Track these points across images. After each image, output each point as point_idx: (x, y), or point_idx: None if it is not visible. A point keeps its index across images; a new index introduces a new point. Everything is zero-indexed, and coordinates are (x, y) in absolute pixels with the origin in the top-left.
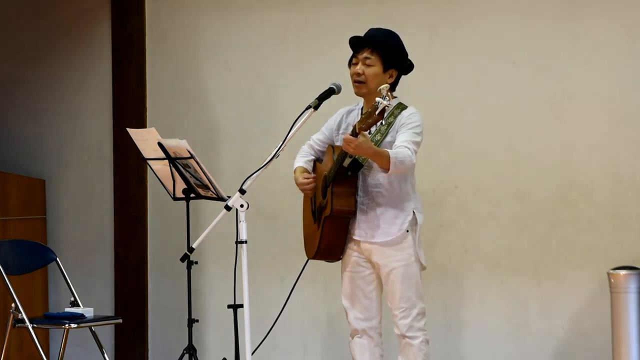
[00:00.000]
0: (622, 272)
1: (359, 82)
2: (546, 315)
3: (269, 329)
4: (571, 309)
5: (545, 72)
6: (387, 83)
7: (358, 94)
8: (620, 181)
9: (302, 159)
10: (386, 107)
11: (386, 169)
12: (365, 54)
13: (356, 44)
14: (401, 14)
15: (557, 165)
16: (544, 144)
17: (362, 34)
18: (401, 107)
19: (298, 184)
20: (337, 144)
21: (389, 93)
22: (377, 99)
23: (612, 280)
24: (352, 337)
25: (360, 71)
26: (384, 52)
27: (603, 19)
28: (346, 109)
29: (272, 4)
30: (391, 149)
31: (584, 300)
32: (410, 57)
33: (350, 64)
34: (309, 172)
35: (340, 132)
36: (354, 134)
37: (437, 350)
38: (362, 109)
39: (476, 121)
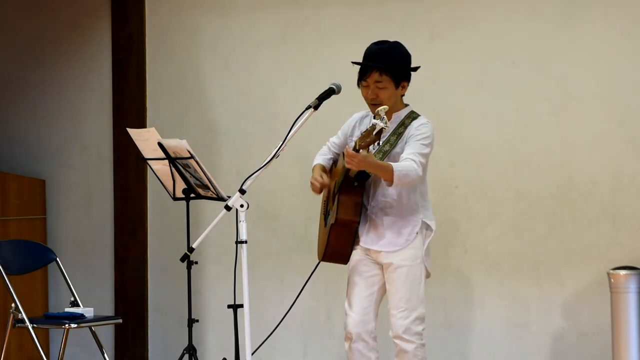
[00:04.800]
0: (622, 272)
1: (375, 105)
2: (546, 315)
3: (271, 332)
4: (571, 309)
5: (545, 72)
6: (400, 95)
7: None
8: (620, 181)
9: (321, 157)
10: (383, 129)
11: (390, 182)
12: (375, 78)
13: (362, 67)
14: (401, 14)
15: (557, 165)
16: (544, 144)
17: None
18: (412, 116)
19: (312, 178)
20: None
21: (388, 112)
22: (374, 120)
23: (612, 280)
24: (347, 343)
25: (374, 95)
26: (393, 71)
27: (603, 19)
28: (360, 115)
29: (272, 4)
30: (399, 160)
31: (584, 300)
32: (412, 58)
33: (359, 84)
34: (326, 172)
35: (354, 138)
36: (356, 150)
37: (437, 350)
38: (374, 117)
39: (476, 121)
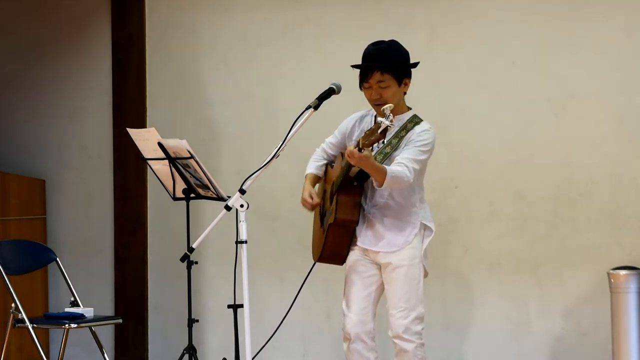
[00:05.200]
0: (622, 272)
1: (379, 105)
2: (546, 315)
3: (270, 336)
4: (571, 309)
5: (545, 72)
6: (403, 92)
7: (382, 114)
8: (620, 181)
9: (314, 164)
10: (388, 127)
11: (379, 184)
12: (377, 78)
13: (363, 69)
14: (401, 14)
15: (557, 165)
16: (544, 144)
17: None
18: (415, 120)
19: (302, 198)
20: None
21: (392, 113)
22: (379, 119)
23: (612, 280)
24: (346, 344)
25: (377, 96)
26: (394, 69)
27: (603, 19)
28: (360, 114)
29: (272, 3)
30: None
31: (584, 300)
32: (410, 57)
33: (361, 86)
34: (320, 178)
35: (354, 138)
36: (358, 148)
37: (437, 350)
38: (375, 116)
39: (476, 121)
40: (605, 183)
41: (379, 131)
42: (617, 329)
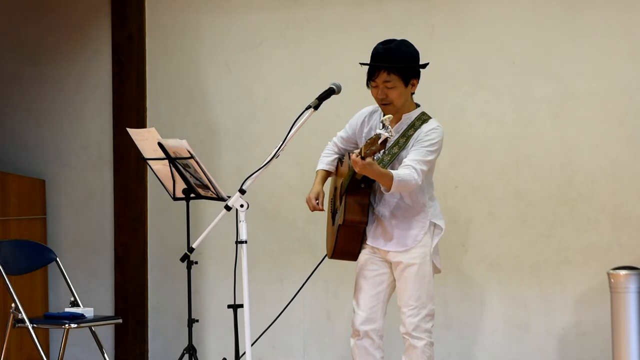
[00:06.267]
0: (622, 272)
1: (385, 104)
2: (546, 315)
3: (270, 323)
4: (571, 309)
5: (545, 72)
6: (410, 93)
7: (387, 113)
8: (620, 181)
9: (325, 160)
10: (388, 138)
11: (387, 190)
12: (383, 78)
13: (370, 67)
14: (401, 14)
15: (557, 165)
16: (544, 144)
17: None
18: (422, 118)
19: (308, 197)
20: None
21: (391, 124)
22: (379, 130)
23: (612, 280)
24: (353, 340)
25: (383, 96)
26: (401, 70)
27: (603, 19)
28: (369, 110)
29: (272, 3)
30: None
31: (584, 300)
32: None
33: (368, 84)
34: (331, 173)
35: (363, 134)
36: (361, 157)
37: (437, 350)
38: (382, 115)
39: (476, 121)
40: (605, 183)
41: (379, 142)
42: (617, 329)
